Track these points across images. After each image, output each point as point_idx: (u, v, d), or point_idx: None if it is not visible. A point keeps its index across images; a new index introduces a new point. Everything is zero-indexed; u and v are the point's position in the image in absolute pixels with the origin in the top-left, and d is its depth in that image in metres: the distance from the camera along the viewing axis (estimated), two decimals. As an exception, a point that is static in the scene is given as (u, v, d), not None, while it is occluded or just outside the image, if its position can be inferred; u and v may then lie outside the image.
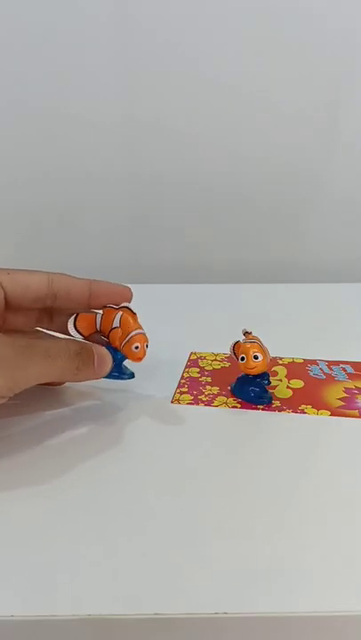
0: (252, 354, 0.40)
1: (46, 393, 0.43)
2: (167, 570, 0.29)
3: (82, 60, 0.61)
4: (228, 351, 0.43)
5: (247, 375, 0.42)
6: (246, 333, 0.42)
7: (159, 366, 0.40)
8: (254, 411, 0.42)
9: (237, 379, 0.43)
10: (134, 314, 0.40)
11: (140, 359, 0.39)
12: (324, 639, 0.27)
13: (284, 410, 0.41)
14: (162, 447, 0.38)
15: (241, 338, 0.42)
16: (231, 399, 0.43)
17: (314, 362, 0.48)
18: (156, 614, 0.27)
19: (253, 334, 0.42)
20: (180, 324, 0.54)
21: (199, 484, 0.34)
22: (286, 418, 0.41)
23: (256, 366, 0.40)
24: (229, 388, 0.44)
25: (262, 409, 0.42)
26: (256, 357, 0.40)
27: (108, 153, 0.65)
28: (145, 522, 0.32)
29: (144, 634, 0.27)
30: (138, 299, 0.61)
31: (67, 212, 0.68)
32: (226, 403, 0.42)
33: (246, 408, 0.42)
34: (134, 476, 0.35)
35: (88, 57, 0.61)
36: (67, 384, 0.44)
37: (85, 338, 0.41)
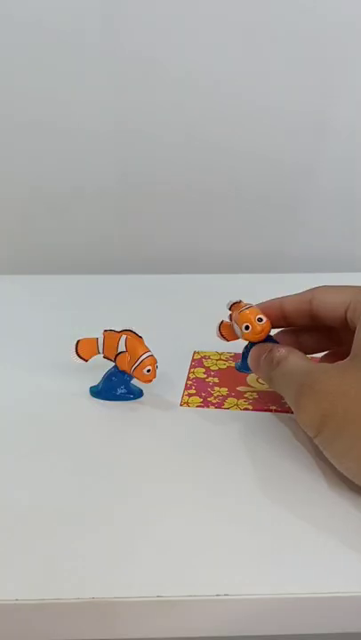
0: (255, 318, 0.41)
1: (57, 399, 0.47)
2: (169, 554, 0.32)
3: (70, 52, 0.65)
4: (232, 350, 0.46)
5: (253, 344, 0.43)
6: (234, 304, 0.44)
7: (162, 365, 0.44)
8: (266, 412, 0.45)
9: (243, 354, 0.45)
10: (140, 337, 0.44)
11: (150, 381, 0.44)
12: (322, 620, 0.30)
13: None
14: (174, 449, 0.41)
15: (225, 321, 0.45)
16: (242, 401, 0.46)
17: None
18: (158, 597, 0.30)
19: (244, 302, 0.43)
20: (176, 317, 0.58)
21: (205, 477, 0.38)
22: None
23: (263, 329, 0.42)
24: (236, 367, 0.46)
25: (274, 410, 0.45)
26: (260, 320, 0.41)
27: (102, 145, 0.69)
28: (148, 509, 0.35)
29: (147, 616, 0.30)
30: (132, 290, 0.65)
31: (60, 203, 0.72)
32: (237, 404, 0.46)
33: (258, 410, 0.45)
34: (142, 471, 0.38)
35: (75, 50, 0.65)
36: (61, 397, 0.47)
37: (87, 362, 0.46)
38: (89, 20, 0.63)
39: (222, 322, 0.46)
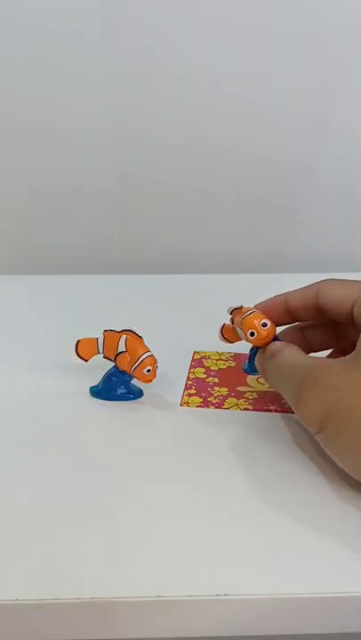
0: (259, 324, 0.41)
1: (57, 399, 0.47)
2: (169, 554, 0.32)
3: (70, 52, 0.65)
4: (231, 350, 0.46)
5: (259, 347, 0.43)
6: (235, 310, 0.44)
7: (161, 365, 0.44)
8: (266, 412, 0.45)
9: (249, 357, 0.45)
10: (140, 337, 0.45)
11: (150, 381, 0.44)
12: (322, 620, 0.30)
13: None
14: (174, 449, 0.41)
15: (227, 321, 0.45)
16: (242, 401, 0.46)
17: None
18: (158, 597, 0.30)
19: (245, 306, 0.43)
20: (176, 317, 0.58)
21: (205, 477, 0.38)
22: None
23: (269, 334, 0.41)
24: (243, 368, 0.46)
25: (274, 410, 0.45)
26: (265, 325, 0.41)
27: (103, 145, 0.69)
28: (148, 509, 0.35)
29: (147, 616, 0.30)
30: (132, 290, 0.65)
31: (60, 203, 0.72)
32: (237, 404, 0.46)
33: (258, 410, 0.45)
34: (142, 471, 0.38)
35: (75, 50, 0.65)
36: (61, 397, 0.47)
37: (87, 362, 0.46)
38: (89, 20, 0.63)
39: (224, 325, 0.46)
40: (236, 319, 0.44)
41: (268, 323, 0.41)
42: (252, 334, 0.41)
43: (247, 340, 0.42)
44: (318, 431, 0.35)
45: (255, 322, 0.41)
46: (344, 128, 0.69)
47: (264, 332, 0.41)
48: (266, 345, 0.42)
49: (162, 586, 0.30)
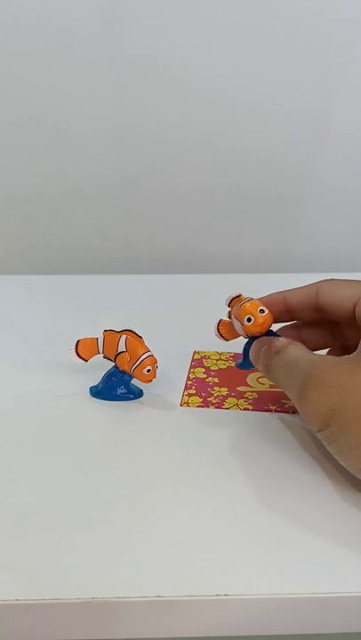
0: (257, 310, 0.41)
1: (57, 399, 0.47)
2: (169, 554, 0.32)
3: (70, 52, 0.65)
4: (231, 350, 0.46)
5: (253, 340, 0.43)
6: (234, 298, 0.44)
7: (162, 365, 0.44)
8: (266, 412, 0.45)
9: (244, 350, 0.45)
10: (140, 337, 0.45)
11: (150, 381, 0.44)
12: (322, 620, 0.30)
13: (297, 412, 0.44)
14: (174, 449, 0.41)
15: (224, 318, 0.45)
16: (242, 401, 0.46)
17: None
18: (158, 597, 0.30)
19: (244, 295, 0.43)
20: (176, 317, 0.58)
21: (206, 477, 0.38)
22: (298, 419, 0.44)
23: (265, 320, 0.41)
24: (235, 365, 0.46)
25: (274, 410, 0.45)
26: (262, 311, 0.41)
27: (103, 145, 0.69)
28: (148, 509, 0.35)
29: (147, 616, 0.30)
30: (132, 290, 0.65)
31: (60, 203, 0.72)
32: (237, 404, 0.46)
33: (258, 410, 0.45)
34: (142, 471, 0.38)
35: (77, 48, 0.65)
36: (61, 397, 0.47)
37: (87, 362, 0.46)
38: (89, 20, 0.63)
39: (220, 320, 0.46)
40: (235, 308, 0.44)
41: (266, 310, 0.41)
42: (249, 320, 0.41)
43: (244, 328, 0.42)
44: (321, 429, 0.35)
45: (252, 308, 0.41)
46: (344, 128, 0.69)
47: (261, 318, 0.41)
48: (261, 333, 0.42)
49: (162, 586, 0.30)
